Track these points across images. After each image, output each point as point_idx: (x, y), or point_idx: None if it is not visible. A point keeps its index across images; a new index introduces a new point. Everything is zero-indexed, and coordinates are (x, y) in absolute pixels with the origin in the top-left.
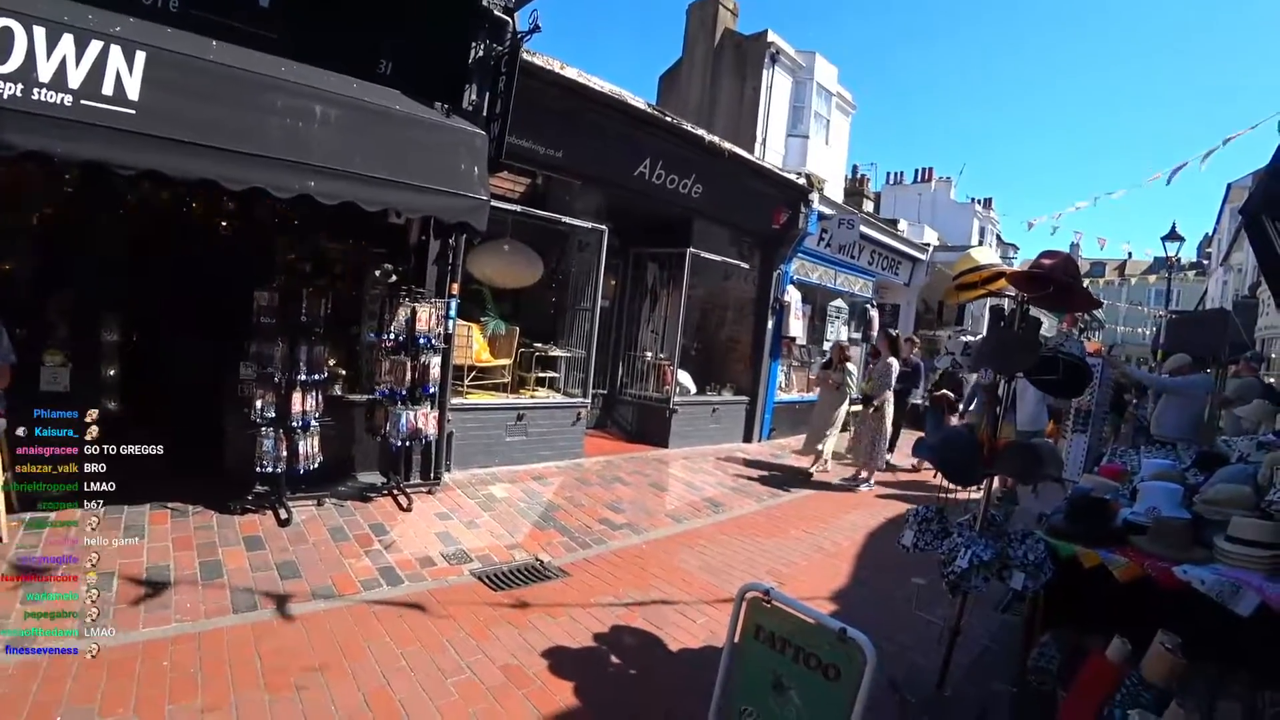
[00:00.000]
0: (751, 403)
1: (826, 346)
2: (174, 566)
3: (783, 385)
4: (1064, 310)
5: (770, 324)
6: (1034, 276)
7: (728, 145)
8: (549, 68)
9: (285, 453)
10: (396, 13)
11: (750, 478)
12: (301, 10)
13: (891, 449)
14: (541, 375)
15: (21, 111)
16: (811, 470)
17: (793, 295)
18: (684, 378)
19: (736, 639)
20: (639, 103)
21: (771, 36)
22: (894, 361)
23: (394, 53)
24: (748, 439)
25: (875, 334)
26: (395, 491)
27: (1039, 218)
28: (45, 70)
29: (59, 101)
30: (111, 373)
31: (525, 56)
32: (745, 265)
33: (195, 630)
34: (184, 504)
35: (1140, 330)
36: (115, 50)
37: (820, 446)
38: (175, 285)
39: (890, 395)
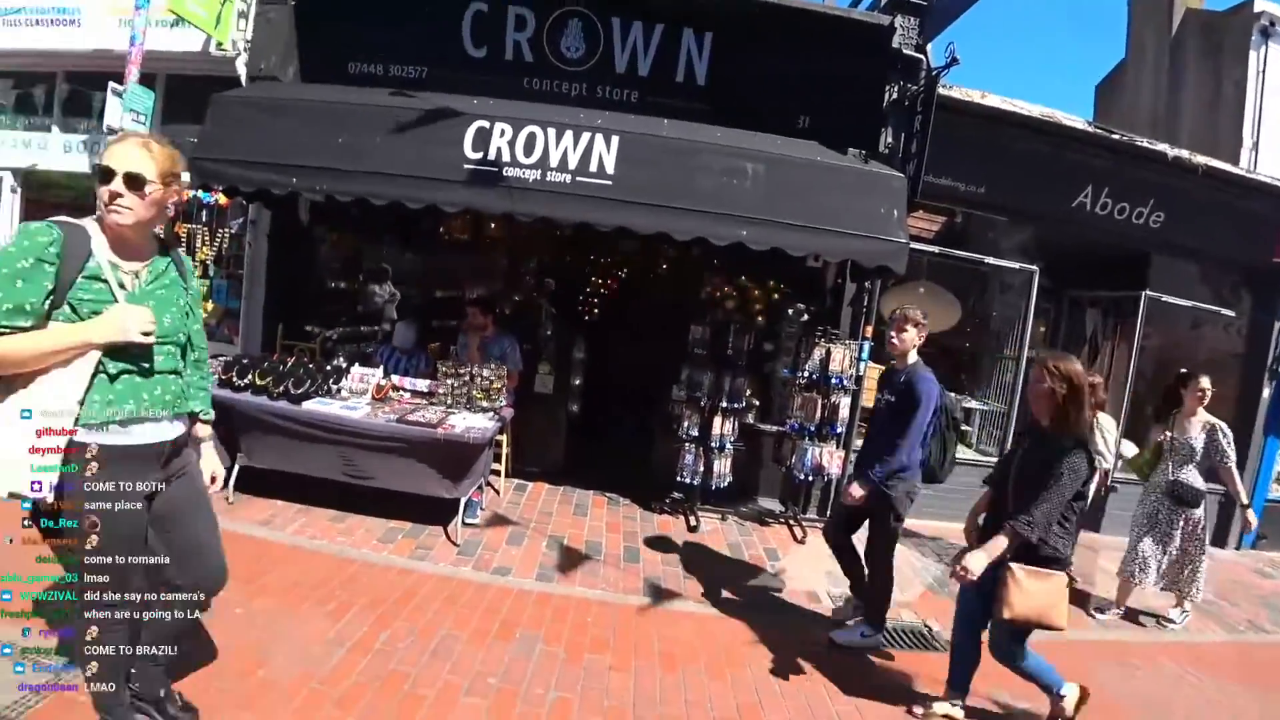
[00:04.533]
0: (1228, 494)
1: None
2: (604, 544)
3: None
4: None
5: (1267, 392)
6: None
7: (1200, 159)
8: (968, 99)
9: (702, 468)
10: (811, 72)
11: (1216, 595)
12: (730, 84)
13: None
14: None
15: (539, 190)
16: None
17: None
18: (1127, 449)
19: None
20: (1075, 122)
21: (1260, 4)
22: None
23: (810, 108)
24: (1219, 543)
25: None
26: (791, 521)
27: None
28: (554, 158)
29: (562, 180)
30: (577, 382)
31: (942, 91)
32: (1229, 312)
33: (614, 600)
34: (616, 495)
35: None
36: (599, 138)
37: None
38: (626, 314)
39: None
